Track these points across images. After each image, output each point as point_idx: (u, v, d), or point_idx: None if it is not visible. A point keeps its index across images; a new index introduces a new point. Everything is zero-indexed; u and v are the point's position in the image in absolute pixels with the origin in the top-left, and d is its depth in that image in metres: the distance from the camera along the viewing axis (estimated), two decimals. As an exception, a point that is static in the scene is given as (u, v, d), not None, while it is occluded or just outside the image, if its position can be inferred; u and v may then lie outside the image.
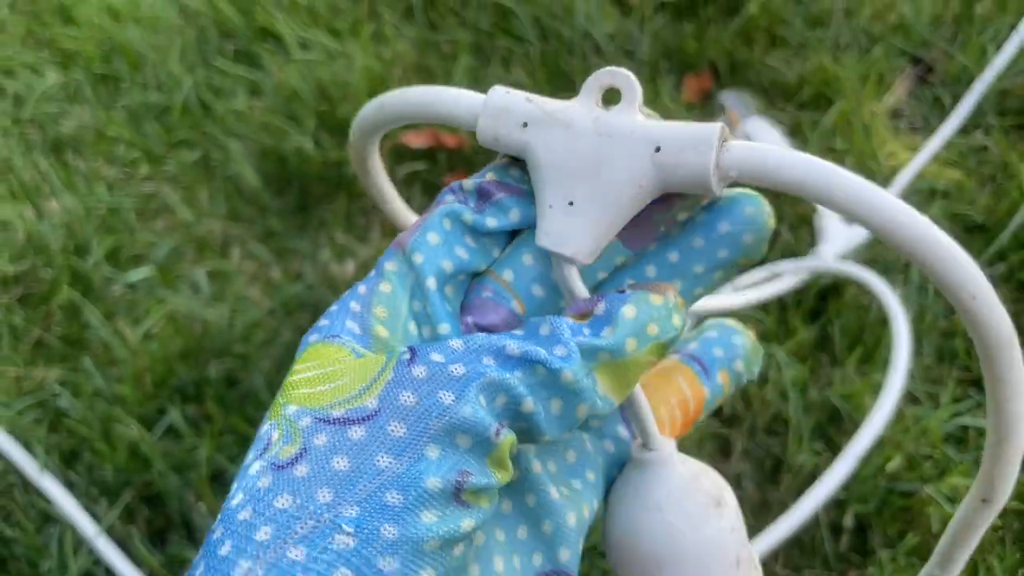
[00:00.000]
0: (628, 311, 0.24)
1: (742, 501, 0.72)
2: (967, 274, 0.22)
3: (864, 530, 0.69)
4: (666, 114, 0.92)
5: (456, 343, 0.23)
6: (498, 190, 0.27)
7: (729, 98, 0.93)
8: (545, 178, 0.25)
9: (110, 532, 0.72)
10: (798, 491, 0.71)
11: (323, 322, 0.25)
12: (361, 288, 0.26)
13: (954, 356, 0.77)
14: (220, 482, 0.75)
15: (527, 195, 0.27)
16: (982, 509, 0.27)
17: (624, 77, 0.25)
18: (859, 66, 0.96)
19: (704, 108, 0.95)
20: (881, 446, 0.71)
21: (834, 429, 0.74)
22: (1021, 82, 0.93)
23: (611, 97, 0.26)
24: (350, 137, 0.32)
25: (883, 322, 0.77)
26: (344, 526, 0.20)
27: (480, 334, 0.24)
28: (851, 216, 0.22)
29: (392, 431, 0.22)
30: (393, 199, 0.37)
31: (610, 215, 0.24)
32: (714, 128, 0.23)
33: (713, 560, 0.25)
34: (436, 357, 0.23)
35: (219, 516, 0.22)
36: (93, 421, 0.77)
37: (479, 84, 1.00)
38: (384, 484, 0.21)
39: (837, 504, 0.69)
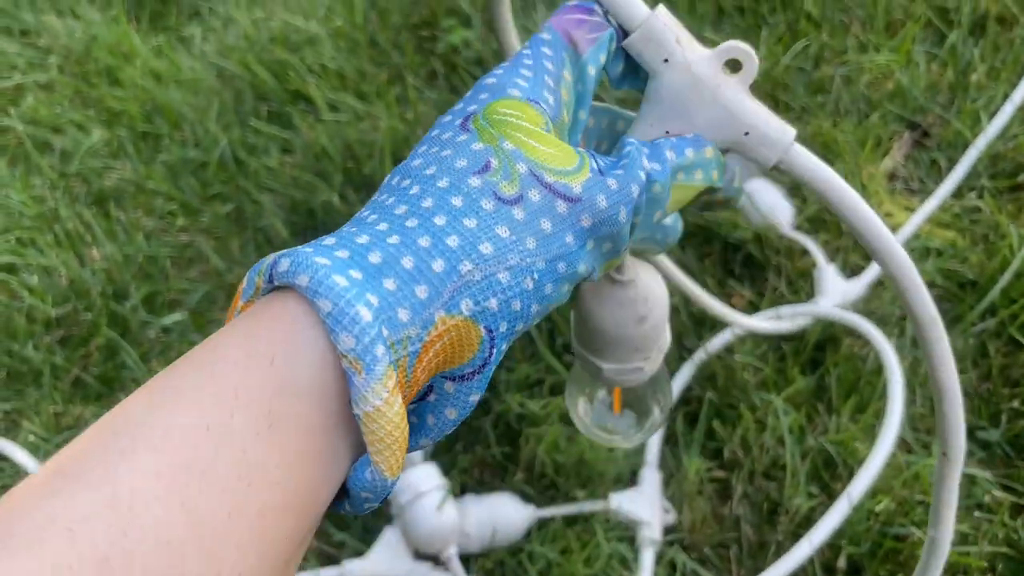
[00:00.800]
0: (708, 151, 0.33)
1: (740, 542, 0.75)
2: (905, 268, 0.34)
3: (857, 572, 0.72)
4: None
5: (613, 178, 0.30)
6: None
7: (734, 160, 0.98)
8: (658, 103, 0.32)
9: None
10: (794, 533, 0.74)
11: (521, 83, 0.31)
12: (548, 64, 0.32)
13: (946, 406, 0.80)
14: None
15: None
16: (946, 463, 0.38)
17: (747, 53, 0.32)
18: (858, 130, 1.01)
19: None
20: (874, 491, 0.74)
21: (829, 474, 0.77)
22: (1013, 147, 0.97)
23: (735, 66, 0.32)
24: None
25: (878, 373, 0.80)
26: (534, 274, 0.27)
27: (629, 158, 0.31)
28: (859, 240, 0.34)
29: (582, 222, 0.29)
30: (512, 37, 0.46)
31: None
32: (789, 137, 0.32)
33: (623, 347, 0.41)
34: (616, 176, 0.30)
35: (423, 186, 0.28)
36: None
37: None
38: (560, 255, 0.28)
39: (831, 546, 0.72)
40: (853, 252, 0.92)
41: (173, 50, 1.25)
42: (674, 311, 0.89)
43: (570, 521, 0.77)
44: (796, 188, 0.97)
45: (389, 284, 0.25)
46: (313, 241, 0.26)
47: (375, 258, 0.25)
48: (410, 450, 0.27)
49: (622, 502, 0.76)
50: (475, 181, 0.27)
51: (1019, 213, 0.92)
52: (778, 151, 0.32)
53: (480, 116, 0.29)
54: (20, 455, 0.83)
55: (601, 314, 0.40)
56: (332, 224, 0.99)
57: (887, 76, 1.07)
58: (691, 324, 0.86)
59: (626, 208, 0.29)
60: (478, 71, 1.15)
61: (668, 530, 0.77)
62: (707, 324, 0.86)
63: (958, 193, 0.96)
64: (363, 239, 0.26)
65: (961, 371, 0.82)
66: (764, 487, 0.77)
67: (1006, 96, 1.02)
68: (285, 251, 0.25)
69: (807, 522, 0.74)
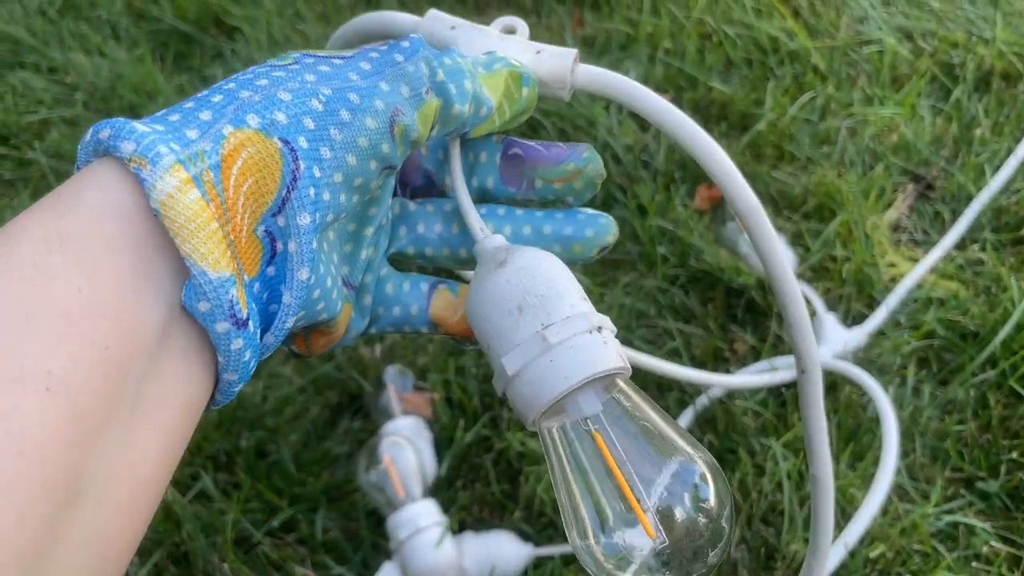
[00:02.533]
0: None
1: (737, 587, 0.75)
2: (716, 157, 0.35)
3: (854, 620, 0.72)
4: (677, 219, 0.99)
5: (399, 44, 0.31)
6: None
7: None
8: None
9: (139, 588, 0.77)
10: (791, 579, 0.74)
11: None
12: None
13: (946, 456, 0.80)
14: (245, 546, 0.80)
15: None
16: (803, 380, 0.40)
17: (520, 22, 0.37)
18: (862, 181, 1.02)
19: (714, 215, 1.02)
20: (870, 539, 0.74)
21: (828, 521, 0.77)
22: (1016, 201, 0.99)
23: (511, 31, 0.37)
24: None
25: (878, 421, 0.81)
26: (320, 95, 0.28)
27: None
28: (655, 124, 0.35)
29: (362, 65, 0.29)
30: None
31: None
32: (572, 51, 0.35)
33: (496, 309, 0.31)
34: (386, 46, 0.31)
35: (231, 81, 0.28)
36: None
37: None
38: (350, 87, 0.28)
39: (828, 593, 0.72)
40: (856, 301, 0.93)
41: (195, 90, 1.28)
42: (675, 356, 0.89)
43: (568, 560, 0.77)
44: (799, 236, 0.98)
45: (174, 118, 0.26)
46: None
47: (174, 118, 0.26)
48: (291, 333, 0.30)
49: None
50: (259, 70, 0.29)
51: (1021, 266, 0.93)
52: (571, 56, 0.35)
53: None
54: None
55: (472, 302, 0.32)
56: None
57: (892, 129, 1.09)
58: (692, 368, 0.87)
59: (401, 52, 0.30)
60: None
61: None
62: (708, 368, 0.87)
63: (961, 245, 0.97)
64: (172, 113, 0.27)
65: (960, 422, 0.82)
66: (762, 532, 0.77)
67: (1010, 151, 1.04)
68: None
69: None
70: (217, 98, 0.27)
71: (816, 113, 1.11)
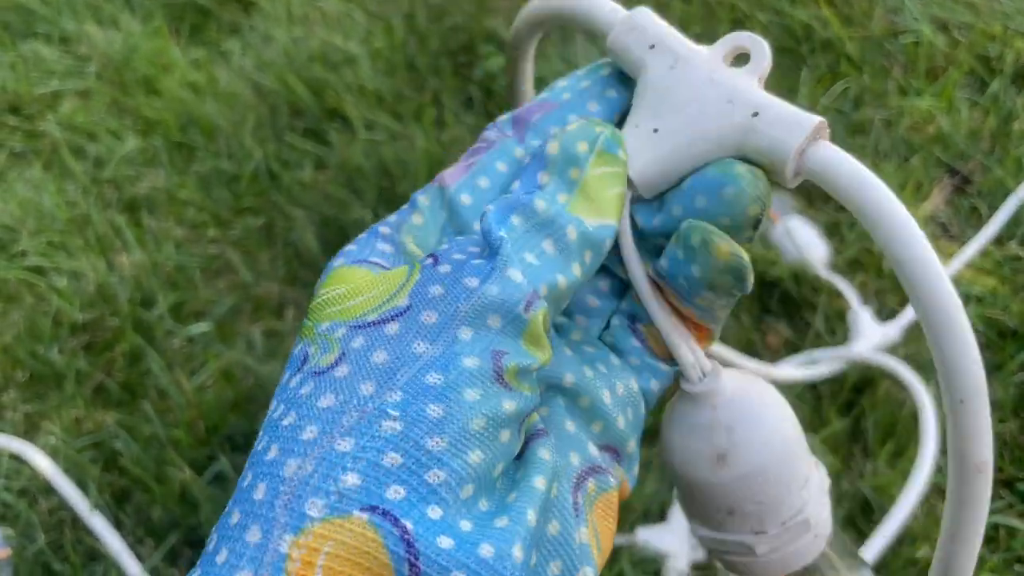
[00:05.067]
0: (551, 148, 0.25)
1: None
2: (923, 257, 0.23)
3: (893, 622, 0.70)
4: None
5: (458, 252, 0.23)
6: (533, 112, 0.27)
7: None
8: (645, 100, 0.26)
9: (154, 573, 0.75)
10: (827, 578, 0.71)
11: (351, 247, 0.25)
12: (392, 217, 0.26)
13: (986, 456, 0.78)
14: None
15: (568, 104, 0.27)
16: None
17: (757, 42, 0.26)
18: (898, 174, 1.00)
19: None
20: (912, 538, 0.72)
21: (865, 520, 0.75)
22: (1055, 197, 0.96)
23: (741, 62, 0.26)
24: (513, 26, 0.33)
25: (916, 417, 0.79)
26: (390, 411, 0.20)
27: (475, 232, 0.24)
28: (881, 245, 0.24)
29: (425, 319, 0.21)
30: (528, 90, 0.37)
31: (682, 156, 0.25)
32: (814, 119, 0.24)
33: (704, 499, 0.26)
34: (456, 255, 0.23)
35: (262, 429, 0.22)
36: (147, 462, 0.80)
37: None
38: (423, 368, 0.21)
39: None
40: (891, 295, 0.90)
41: (212, 63, 1.25)
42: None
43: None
44: (834, 227, 0.96)
45: (220, 558, 0.19)
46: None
47: (221, 557, 0.20)
48: None
49: (650, 536, 0.75)
50: (294, 380, 0.22)
51: (1062, 263, 0.91)
52: (802, 131, 0.24)
53: (307, 312, 0.24)
54: (39, 458, 0.81)
55: (669, 442, 0.27)
56: (364, 242, 0.98)
57: (928, 121, 1.06)
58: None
59: (475, 273, 0.22)
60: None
61: (696, 566, 0.75)
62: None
63: (999, 240, 0.95)
64: (222, 555, 0.20)
65: (1001, 420, 0.80)
66: (797, 529, 0.75)
67: (1049, 146, 1.01)
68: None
69: (841, 568, 0.72)
70: (259, 492, 0.20)
71: (850, 103, 1.08)
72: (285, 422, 0.21)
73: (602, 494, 0.24)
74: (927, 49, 1.13)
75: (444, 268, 0.23)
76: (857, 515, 0.75)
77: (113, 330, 0.93)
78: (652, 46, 0.27)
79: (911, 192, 0.98)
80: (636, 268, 0.26)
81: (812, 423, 0.80)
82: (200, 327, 0.93)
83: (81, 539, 0.78)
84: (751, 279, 0.25)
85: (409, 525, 0.19)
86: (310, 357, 0.22)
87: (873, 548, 0.70)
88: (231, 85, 1.20)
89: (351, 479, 0.19)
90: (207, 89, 1.20)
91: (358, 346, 0.21)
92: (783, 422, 0.26)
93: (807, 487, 0.26)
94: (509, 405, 0.21)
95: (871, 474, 0.77)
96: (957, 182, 1.02)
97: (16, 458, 0.83)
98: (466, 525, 0.20)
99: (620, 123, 0.28)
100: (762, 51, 0.25)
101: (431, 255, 0.24)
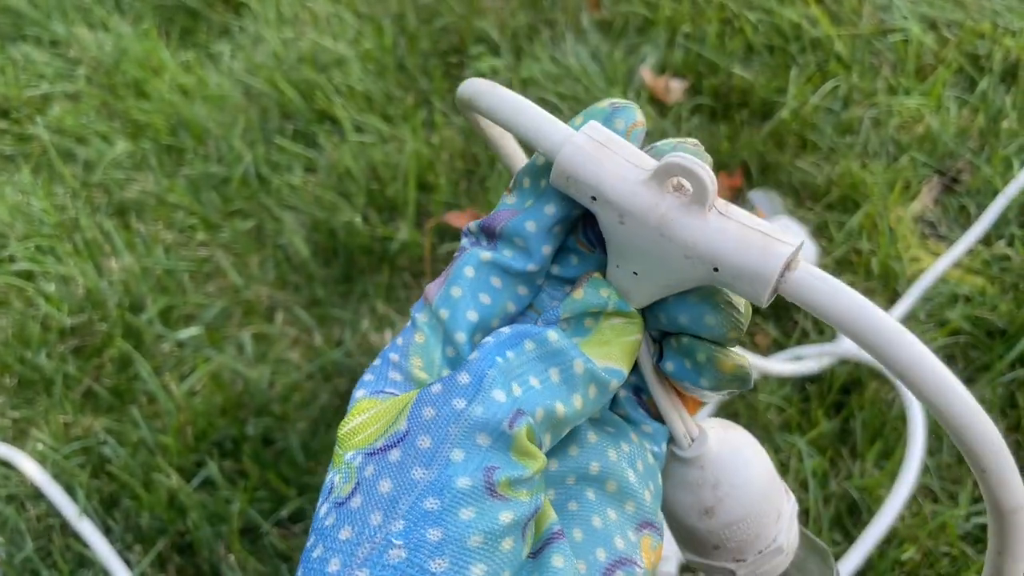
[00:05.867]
0: (576, 293, 0.27)
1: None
2: (980, 430, 0.23)
3: (880, 623, 0.70)
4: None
5: (474, 355, 0.25)
6: (499, 220, 0.28)
7: (758, 197, 0.97)
8: (612, 247, 0.26)
9: (142, 578, 0.75)
10: (815, 580, 0.71)
11: (368, 377, 0.27)
12: (399, 340, 0.28)
13: (974, 456, 0.78)
14: (251, 536, 0.78)
15: (529, 211, 0.28)
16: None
17: (697, 177, 0.24)
18: (886, 173, 1.00)
19: (733, 203, 0.99)
20: (899, 540, 0.72)
21: (852, 521, 0.75)
22: (1044, 196, 0.96)
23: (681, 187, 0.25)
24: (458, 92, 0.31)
25: (903, 418, 0.79)
26: (394, 540, 0.22)
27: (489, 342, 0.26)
28: (880, 361, 0.23)
29: (420, 444, 0.24)
30: (508, 142, 0.36)
31: (668, 288, 0.26)
32: (776, 266, 0.23)
33: (692, 539, 0.30)
34: (453, 376, 0.25)
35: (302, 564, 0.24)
36: (135, 468, 0.80)
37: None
38: (421, 494, 0.23)
39: (853, 595, 0.70)
40: (880, 294, 0.90)
41: (201, 66, 1.25)
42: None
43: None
44: (823, 227, 0.96)
45: None
46: None
47: None
48: None
49: (638, 540, 0.75)
50: (322, 510, 0.24)
51: (1050, 262, 0.91)
52: (765, 285, 0.24)
53: (337, 442, 0.26)
54: (27, 464, 0.81)
55: (666, 494, 0.30)
56: (353, 245, 0.98)
57: (917, 120, 1.06)
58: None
59: (462, 395, 0.24)
60: (505, 98, 1.15)
61: (685, 568, 0.75)
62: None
63: (987, 240, 0.95)
64: None
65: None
66: (784, 531, 0.75)
67: (1037, 144, 1.01)
68: None
69: (829, 569, 0.72)
70: None
71: (839, 102, 1.08)
72: (315, 554, 0.23)
73: None
74: (916, 47, 1.13)
75: (436, 388, 0.25)
76: (844, 515, 0.75)
77: (102, 335, 0.93)
78: (593, 198, 0.26)
79: (899, 191, 0.98)
80: (646, 361, 0.29)
81: (800, 424, 0.80)
82: (189, 331, 0.93)
83: (69, 545, 0.78)
84: (752, 380, 0.28)
85: None
86: (335, 487, 0.24)
87: (860, 551, 0.70)
88: (220, 88, 1.20)
89: None
90: (197, 92, 1.20)
91: (369, 475, 0.24)
92: (761, 471, 0.29)
93: (780, 519, 0.30)
94: (506, 516, 0.23)
95: (859, 474, 0.77)
96: (946, 181, 1.02)
97: (4, 464, 0.83)
98: None
99: (576, 220, 0.29)
100: (699, 179, 0.24)
101: (439, 379, 0.26)
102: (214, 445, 0.83)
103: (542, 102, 1.12)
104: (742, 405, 0.81)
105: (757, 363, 0.80)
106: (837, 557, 0.73)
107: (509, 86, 1.15)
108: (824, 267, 0.92)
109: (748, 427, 0.80)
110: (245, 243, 1.02)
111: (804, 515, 0.75)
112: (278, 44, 1.24)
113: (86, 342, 0.93)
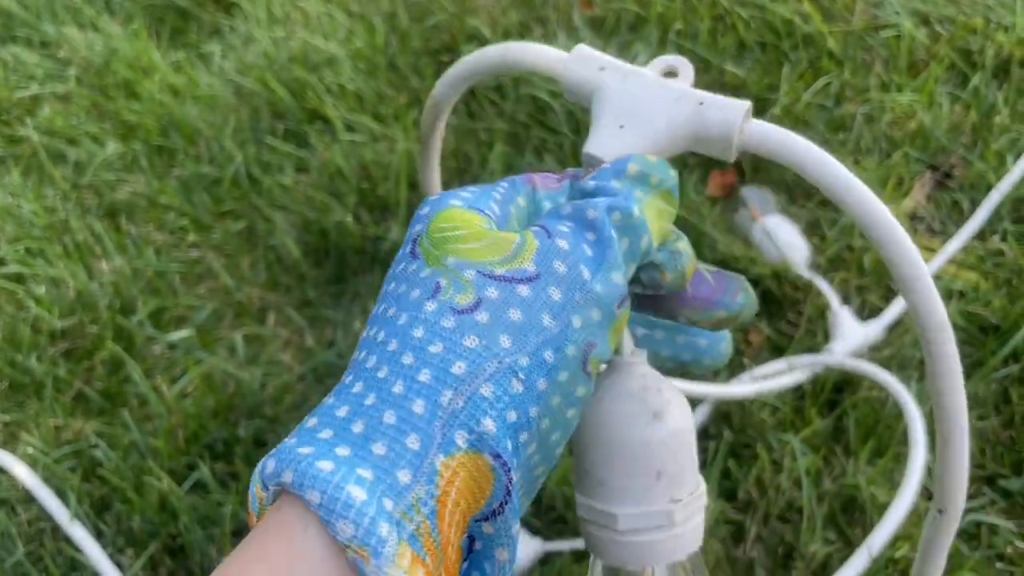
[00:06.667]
0: (631, 168, 0.29)
1: (753, 586, 0.73)
2: (910, 260, 0.29)
3: (874, 622, 0.70)
4: (690, 206, 0.97)
5: (564, 226, 0.28)
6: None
7: (751, 194, 0.97)
8: (605, 107, 0.32)
9: (133, 582, 0.74)
10: (809, 579, 0.71)
11: (466, 193, 0.29)
12: (502, 188, 0.31)
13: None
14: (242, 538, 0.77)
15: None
16: (939, 520, 0.31)
17: (683, 62, 0.32)
18: (879, 169, 1.00)
19: (727, 202, 0.99)
20: (894, 538, 0.71)
21: (846, 519, 0.75)
22: (1037, 191, 0.96)
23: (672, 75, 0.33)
24: (434, 89, 0.38)
25: (897, 416, 0.79)
26: (519, 373, 0.25)
27: (570, 211, 0.28)
28: (832, 199, 0.30)
29: (552, 295, 0.26)
30: (434, 169, 0.43)
31: (646, 146, 0.31)
32: (745, 103, 0.30)
33: (636, 462, 0.30)
34: (563, 227, 0.28)
35: (388, 331, 0.26)
36: (126, 472, 0.80)
37: (513, 171, 1.05)
38: (545, 342, 0.26)
39: (847, 594, 0.70)
40: (873, 292, 0.90)
41: (192, 66, 1.24)
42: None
43: (579, 556, 0.75)
44: (815, 225, 0.96)
45: (378, 449, 0.24)
46: (298, 427, 0.25)
47: (358, 427, 0.24)
48: None
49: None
50: (430, 306, 0.26)
51: (1043, 258, 0.91)
52: (739, 113, 0.30)
53: (424, 237, 0.28)
54: (18, 468, 0.81)
55: (605, 414, 0.30)
56: (345, 245, 0.98)
57: (909, 116, 1.06)
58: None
59: (588, 265, 0.27)
60: (496, 97, 1.14)
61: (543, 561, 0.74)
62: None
63: (981, 235, 0.94)
64: (343, 410, 0.25)
65: (982, 417, 0.80)
66: (779, 530, 0.75)
67: (1030, 139, 1.01)
68: (272, 451, 0.24)
69: (823, 569, 0.72)
70: (418, 407, 0.24)
71: (831, 99, 1.08)
72: (432, 349, 0.25)
73: None
74: (908, 43, 1.12)
75: (561, 243, 0.27)
76: (838, 513, 0.75)
77: (93, 337, 0.93)
78: (602, 68, 0.32)
79: (892, 188, 0.98)
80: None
81: (794, 423, 0.80)
82: (181, 333, 0.92)
83: (61, 549, 0.78)
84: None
85: (515, 477, 0.25)
86: (442, 289, 0.26)
87: (862, 557, 0.69)
88: (211, 88, 1.20)
89: (489, 425, 0.24)
90: (187, 92, 1.20)
91: (494, 297, 0.26)
92: (687, 410, 0.32)
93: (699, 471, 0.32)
94: (581, 391, 0.27)
95: (853, 473, 0.76)
96: (938, 177, 1.01)
97: (-5, 468, 0.83)
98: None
99: None
100: (687, 68, 0.32)
101: (540, 225, 0.28)
102: (206, 447, 0.83)
103: (532, 100, 1.11)
104: (735, 405, 0.81)
105: (745, 387, 0.80)
106: (832, 556, 0.73)
107: (500, 85, 1.15)
108: (817, 265, 0.92)
109: (741, 427, 0.80)
110: (236, 244, 1.02)
111: (798, 514, 0.75)
112: (269, 44, 1.24)
113: (77, 345, 0.93)
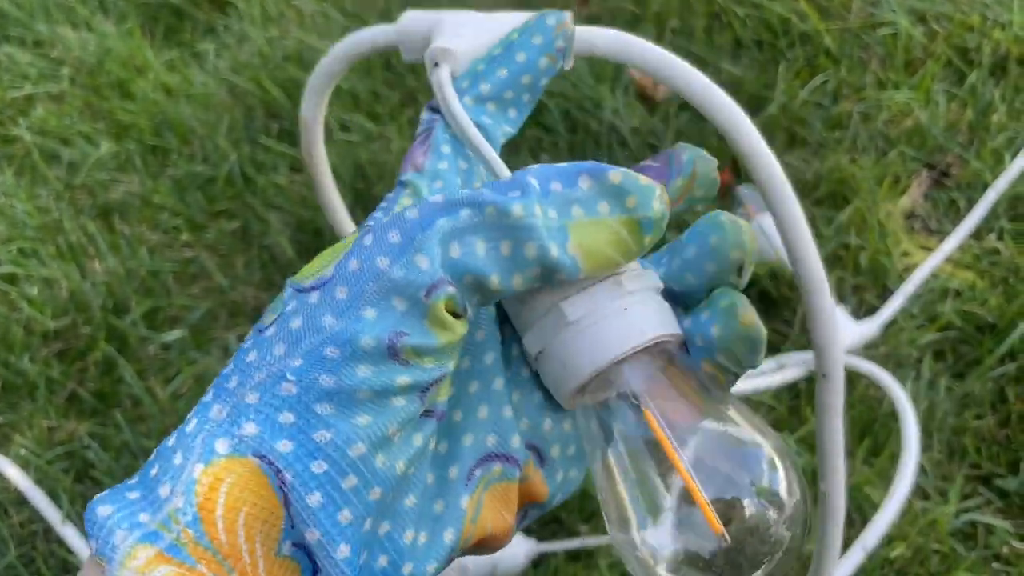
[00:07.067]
0: (613, 176, 0.25)
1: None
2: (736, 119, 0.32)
3: (870, 622, 0.69)
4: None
5: (412, 212, 0.24)
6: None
7: (747, 193, 0.97)
8: (444, 27, 0.33)
9: (126, 584, 0.74)
10: (805, 579, 0.71)
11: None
12: (383, 204, 0.30)
13: (964, 453, 0.78)
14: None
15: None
16: (823, 384, 0.34)
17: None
18: (876, 168, 0.99)
19: (723, 201, 0.99)
20: (889, 538, 0.71)
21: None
22: (1034, 189, 0.96)
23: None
24: (301, 110, 0.40)
25: (893, 415, 0.78)
26: (288, 375, 0.23)
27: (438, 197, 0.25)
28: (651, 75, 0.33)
29: (338, 294, 0.24)
30: (330, 190, 0.45)
31: (483, 37, 0.32)
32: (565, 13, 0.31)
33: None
34: (383, 218, 0.26)
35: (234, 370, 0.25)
36: (118, 473, 0.79)
37: (510, 170, 1.04)
38: (324, 340, 0.23)
39: (843, 594, 0.70)
40: (868, 291, 0.90)
41: (186, 65, 1.24)
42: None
43: (573, 556, 0.75)
44: (812, 223, 0.95)
45: (153, 471, 0.24)
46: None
47: (155, 468, 0.24)
48: None
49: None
50: (251, 334, 0.26)
51: (1040, 256, 0.91)
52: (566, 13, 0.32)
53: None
54: (10, 470, 0.81)
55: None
56: (339, 245, 0.98)
57: (906, 114, 1.06)
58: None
59: (388, 253, 0.24)
60: (492, 96, 1.14)
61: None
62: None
63: (977, 234, 0.94)
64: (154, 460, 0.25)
65: (978, 416, 0.79)
66: (774, 530, 0.75)
67: (1027, 137, 1.01)
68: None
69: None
70: (191, 426, 0.24)
71: (828, 97, 1.08)
72: (225, 371, 0.25)
73: (503, 481, 0.27)
74: (905, 41, 1.12)
75: (368, 240, 0.24)
76: (835, 514, 0.74)
77: (86, 338, 0.92)
78: (437, 22, 0.33)
79: (889, 186, 0.98)
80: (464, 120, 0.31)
81: (789, 422, 0.79)
82: (174, 334, 0.92)
83: (53, 551, 0.77)
84: (763, 355, 0.27)
85: (288, 477, 0.22)
86: (265, 316, 0.26)
87: (855, 555, 0.69)
88: (205, 87, 1.19)
89: (250, 428, 0.23)
90: (181, 91, 1.19)
91: (289, 310, 0.25)
92: None
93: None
94: (403, 380, 0.23)
95: (848, 473, 0.76)
96: (935, 175, 1.01)
97: (-13, 470, 0.82)
98: (350, 482, 0.23)
99: None
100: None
101: (375, 222, 0.26)
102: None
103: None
104: (731, 403, 0.81)
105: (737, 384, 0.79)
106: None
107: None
108: (813, 263, 0.91)
109: (737, 425, 0.80)
110: (230, 244, 1.01)
111: (794, 514, 0.75)
112: (263, 43, 1.23)
113: (70, 345, 0.93)
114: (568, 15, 0.32)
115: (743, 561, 0.25)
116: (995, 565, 0.71)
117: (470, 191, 0.25)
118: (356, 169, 1.05)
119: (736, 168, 1.01)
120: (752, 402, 0.80)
